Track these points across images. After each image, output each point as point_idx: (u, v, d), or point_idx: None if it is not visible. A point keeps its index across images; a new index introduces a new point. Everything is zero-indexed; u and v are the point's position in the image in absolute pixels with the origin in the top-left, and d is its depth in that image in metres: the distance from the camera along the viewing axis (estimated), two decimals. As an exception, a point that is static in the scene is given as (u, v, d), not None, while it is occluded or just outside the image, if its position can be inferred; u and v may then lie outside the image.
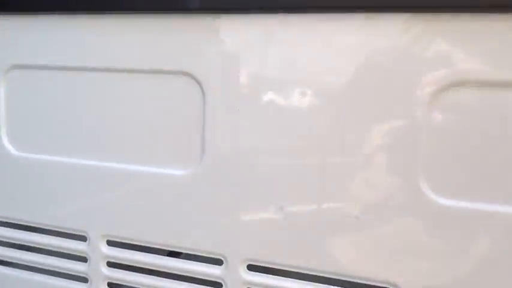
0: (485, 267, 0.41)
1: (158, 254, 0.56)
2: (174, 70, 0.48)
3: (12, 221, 0.61)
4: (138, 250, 0.57)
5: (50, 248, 0.60)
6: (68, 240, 0.59)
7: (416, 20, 0.39)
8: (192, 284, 0.54)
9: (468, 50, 0.39)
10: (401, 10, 0.40)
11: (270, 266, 0.49)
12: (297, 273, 0.48)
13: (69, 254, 0.59)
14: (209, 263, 0.53)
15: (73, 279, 0.60)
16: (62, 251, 0.59)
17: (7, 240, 0.62)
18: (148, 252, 0.57)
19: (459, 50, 0.39)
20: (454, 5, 0.38)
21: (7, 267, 0.63)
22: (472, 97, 0.39)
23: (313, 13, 0.42)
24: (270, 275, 0.50)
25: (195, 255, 0.54)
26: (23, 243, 0.61)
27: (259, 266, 0.50)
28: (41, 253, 0.61)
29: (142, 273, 0.57)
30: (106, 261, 0.57)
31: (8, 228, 0.62)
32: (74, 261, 0.59)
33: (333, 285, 0.47)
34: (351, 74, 0.43)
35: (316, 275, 0.48)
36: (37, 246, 0.60)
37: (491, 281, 0.41)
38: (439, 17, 0.39)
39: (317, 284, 0.48)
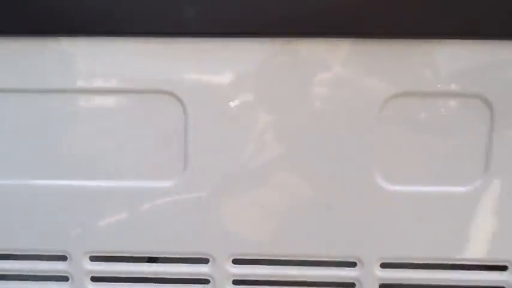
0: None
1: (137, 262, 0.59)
2: (157, 90, 0.51)
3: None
4: (119, 261, 0.59)
5: (30, 273, 0.59)
6: (47, 262, 0.59)
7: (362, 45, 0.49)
8: (179, 285, 0.59)
9: (401, 69, 0.49)
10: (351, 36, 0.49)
11: (255, 258, 0.56)
12: (280, 260, 0.56)
13: (49, 276, 0.59)
14: (193, 263, 0.58)
15: None
16: (42, 274, 0.59)
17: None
18: (128, 262, 0.59)
19: (396, 68, 0.49)
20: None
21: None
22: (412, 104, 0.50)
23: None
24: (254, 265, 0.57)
25: (176, 258, 0.58)
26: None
27: (245, 260, 0.57)
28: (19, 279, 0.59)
29: (127, 282, 0.60)
30: (90, 277, 0.59)
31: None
32: (55, 282, 0.59)
33: (309, 265, 0.56)
34: (316, 91, 0.51)
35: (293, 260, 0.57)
36: (15, 273, 0.59)
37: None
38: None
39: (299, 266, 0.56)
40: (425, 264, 0.56)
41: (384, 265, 0.56)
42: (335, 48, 0.49)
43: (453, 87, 0.49)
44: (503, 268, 0.55)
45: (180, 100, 0.52)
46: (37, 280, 0.60)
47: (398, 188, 0.53)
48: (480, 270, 0.56)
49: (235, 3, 0.47)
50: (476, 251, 0.54)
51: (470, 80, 0.49)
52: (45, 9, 0.48)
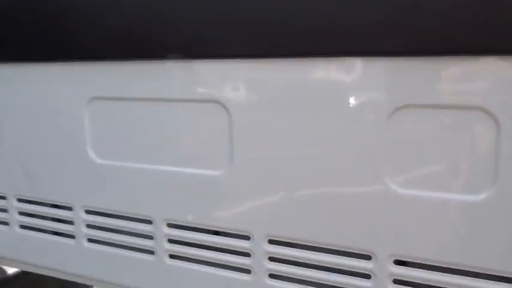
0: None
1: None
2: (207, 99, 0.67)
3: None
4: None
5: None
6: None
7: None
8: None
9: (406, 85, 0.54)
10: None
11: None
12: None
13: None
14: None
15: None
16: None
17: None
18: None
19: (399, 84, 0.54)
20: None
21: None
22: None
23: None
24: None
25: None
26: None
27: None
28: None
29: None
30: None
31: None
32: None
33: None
34: (336, 102, 0.59)
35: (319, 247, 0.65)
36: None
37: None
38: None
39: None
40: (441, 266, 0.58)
41: (397, 262, 0.60)
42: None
43: (458, 100, 0.52)
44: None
45: (226, 108, 0.66)
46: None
47: (405, 191, 0.58)
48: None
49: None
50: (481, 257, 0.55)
51: (474, 93, 0.51)
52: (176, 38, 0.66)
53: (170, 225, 0.77)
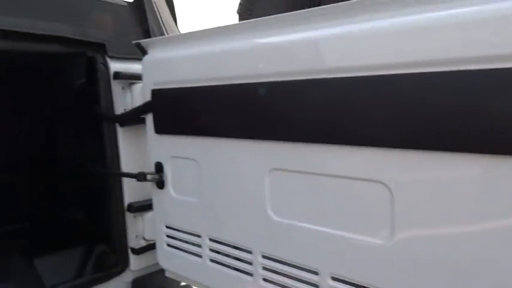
0: None
1: None
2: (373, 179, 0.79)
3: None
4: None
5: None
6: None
7: None
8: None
9: None
10: None
11: None
12: None
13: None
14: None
15: None
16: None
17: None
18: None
19: None
20: None
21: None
22: None
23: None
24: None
25: None
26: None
27: None
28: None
29: None
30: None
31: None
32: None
33: None
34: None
35: None
36: None
37: None
38: None
39: None
40: None
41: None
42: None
43: None
44: None
45: (389, 188, 0.77)
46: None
47: None
48: None
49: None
50: None
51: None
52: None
53: (334, 279, 0.91)
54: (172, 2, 1.83)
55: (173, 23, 1.73)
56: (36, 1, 1.35)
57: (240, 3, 1.36)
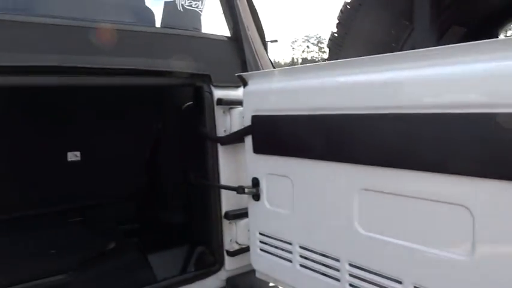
0: None
1: None
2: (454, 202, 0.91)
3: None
4: None
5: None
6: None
7: None
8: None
9: None
10: None
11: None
12: None
13: None
14: None
15: None
16: None
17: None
18: None
19: None
20: None
21: None
22: None
23: None
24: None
25: None
26: None
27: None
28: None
29: None
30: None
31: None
32: None
33: None
34: None
35: None
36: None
37: None
38: None
39: None
40: None
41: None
42: None
43: None
44: None
45: (470, 212, 0.89)
46: None
47: None
48: None
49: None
50: None
51: None
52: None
53: (417, 289, 1.03)
54: (264, 33, 2.06)
55: (265, 53, 1.95)
56: (154, 44, 1.65)
57: (330, 39, 1.53)
